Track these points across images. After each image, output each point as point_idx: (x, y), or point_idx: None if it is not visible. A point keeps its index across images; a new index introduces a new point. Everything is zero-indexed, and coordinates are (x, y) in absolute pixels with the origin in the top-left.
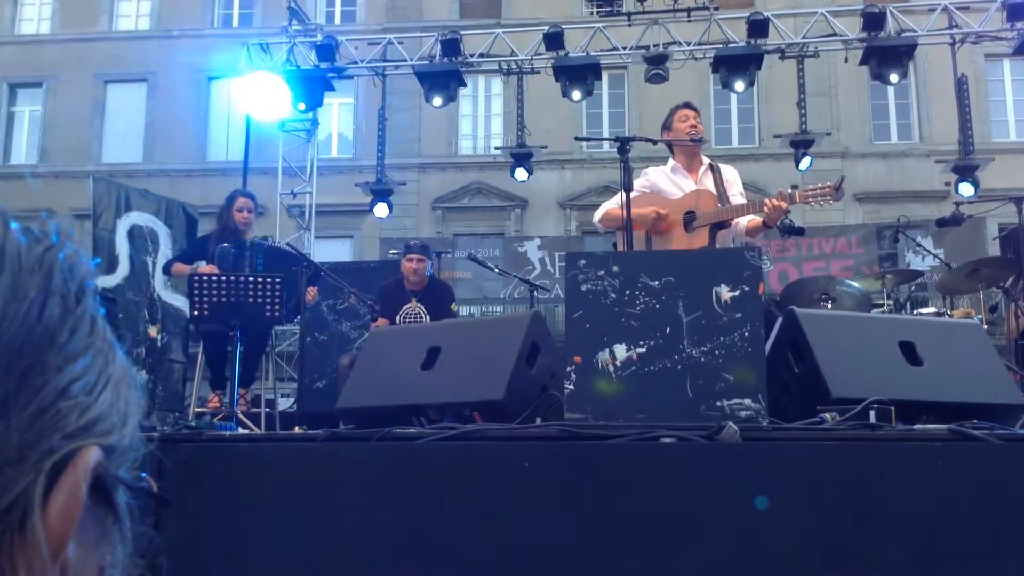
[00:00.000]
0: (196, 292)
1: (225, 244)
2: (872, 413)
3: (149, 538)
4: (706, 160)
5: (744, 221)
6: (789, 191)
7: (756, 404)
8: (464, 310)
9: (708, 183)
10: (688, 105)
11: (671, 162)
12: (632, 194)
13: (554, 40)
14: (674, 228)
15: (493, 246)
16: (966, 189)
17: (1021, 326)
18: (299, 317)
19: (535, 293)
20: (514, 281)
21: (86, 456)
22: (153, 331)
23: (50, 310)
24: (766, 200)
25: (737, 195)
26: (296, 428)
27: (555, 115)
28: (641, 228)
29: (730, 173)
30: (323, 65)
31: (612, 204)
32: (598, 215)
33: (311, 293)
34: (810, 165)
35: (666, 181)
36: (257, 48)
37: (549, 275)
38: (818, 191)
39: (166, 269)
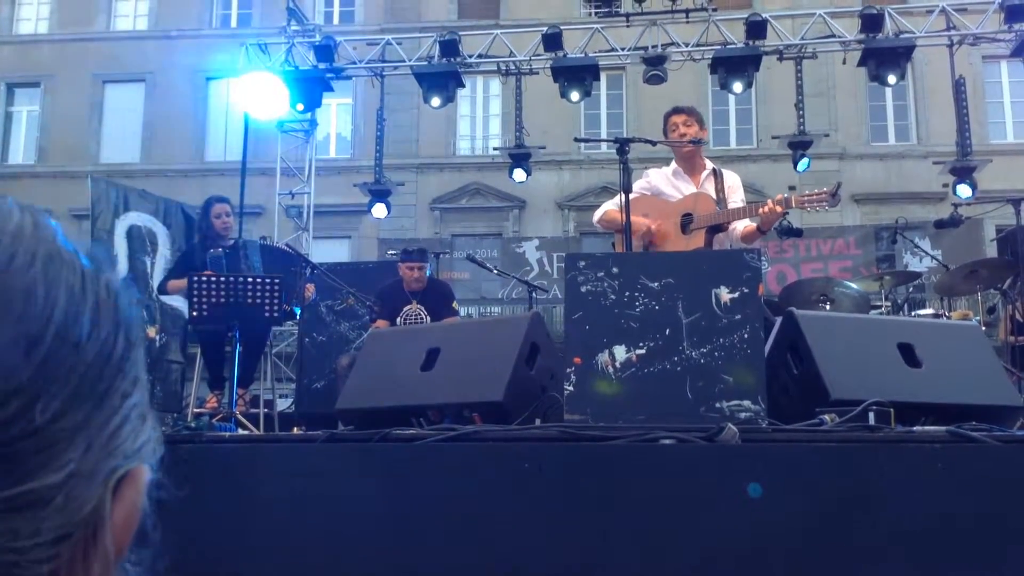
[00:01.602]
0: (195, 294)
1: (215, 250)
2: (871, 415)
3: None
4: (709, 164)
5: (740, 227)
6: (786, 196)
7: (755, 406)
8: (462, 311)
9: (709, 188)
10: (676, 111)
11: (673, 165)
12: (632, 195)
13: (552, 41)
14: (670, 231)
15: (491, 247)
16: (964, 190)
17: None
18: (297, 314)
19: (533, 294)
20: (512, 282)
21: (142, 474)
22: (151, 331)
23: (120, 340)
24: (764, 204)
25: (738, 201)
26: (295, 429)
27: (553, 116)
28: (635, 234)
29: (732, 179)
30: (321, 66)
31: (611, 205)
32: (597, 215)
33: (308, 289)
34: (808, 166)
35: (666, 183)
36: (255, 48)
37: (547, 276)
38: (815, 196)
39: (161, 289)
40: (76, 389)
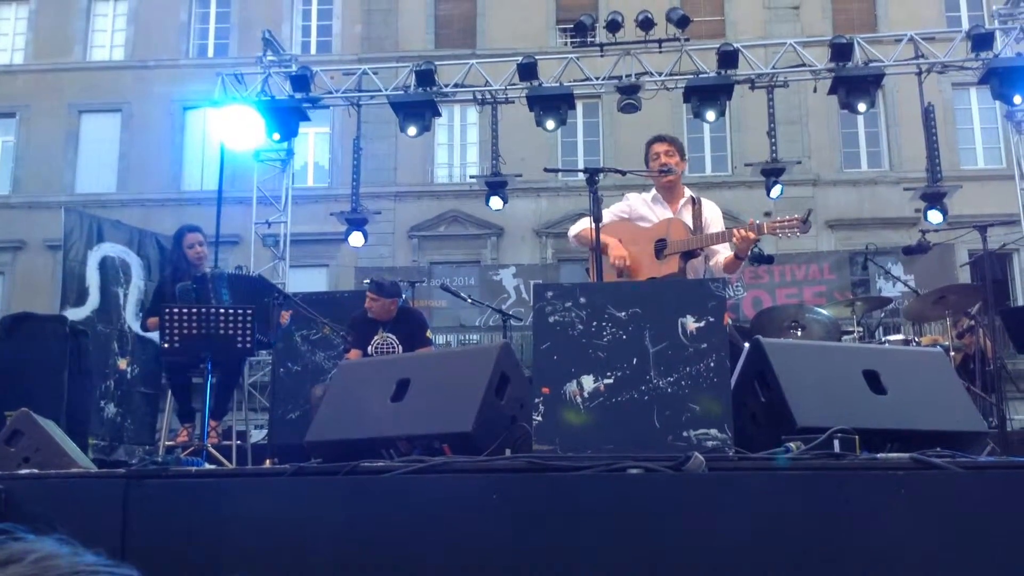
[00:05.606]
0: (167, 326)
1: (184, 282)
2: (836, 442)
3: None
4: (688, 192)
5: (720, 259)
6: (758, 222)
7: (722, 434)
8: (441, 338)
9: (686, 216)
10: (659, 139)
11: (652, 191)
12: (609, 219)
13: (527, 70)
14: (644, 257)
15: (469, 274)
16: (934, 216)
17: (982, 349)
18: (273, 344)
19: (508, 322)
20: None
21: None
22: (123, 363)
23: None
24: (735, 230)
25: (716, 230)
26: (267, 461)
27: (530, 144)
28: (609, 259)
29: (711, 210)
30: (297, 95)
31: (588, 223)
32: (573, 230)
33: (284, 316)
34: (781, 193)
35: (645, 208)
36: (231, 78)
37: (524, 303)
38: (786, 223)
39: (144, 327)
40: None
